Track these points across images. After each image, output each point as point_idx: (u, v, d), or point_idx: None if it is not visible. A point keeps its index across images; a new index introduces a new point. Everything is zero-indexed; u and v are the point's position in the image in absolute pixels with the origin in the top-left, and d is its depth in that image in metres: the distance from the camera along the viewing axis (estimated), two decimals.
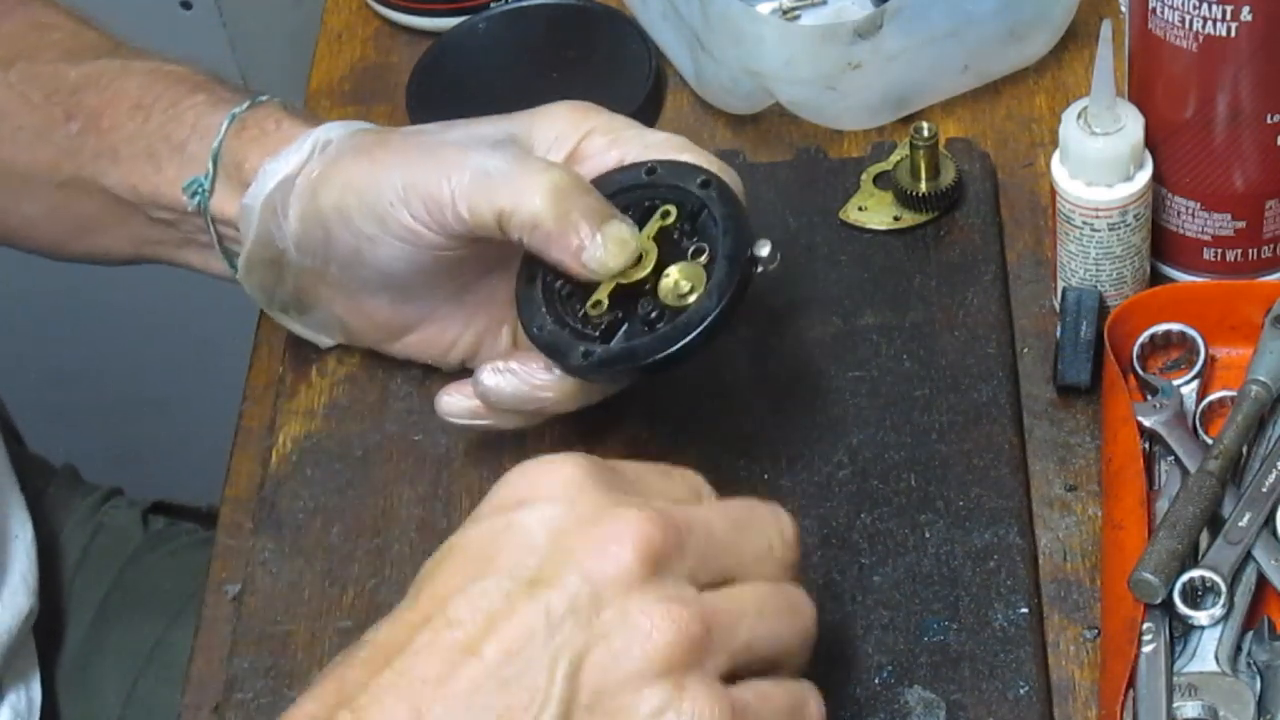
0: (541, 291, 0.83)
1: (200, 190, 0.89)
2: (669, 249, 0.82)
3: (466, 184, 0.81)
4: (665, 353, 0.79)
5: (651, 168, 0.83)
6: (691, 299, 0.80)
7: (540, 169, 0.80)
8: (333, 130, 0.87)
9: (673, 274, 0.81)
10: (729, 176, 0.83)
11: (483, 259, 0.86)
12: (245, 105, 0.89)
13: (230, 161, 0.88)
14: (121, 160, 0.91)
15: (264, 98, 0.90)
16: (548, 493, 0.68)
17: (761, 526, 0.71)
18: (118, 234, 0.94)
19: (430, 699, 0.65)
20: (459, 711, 0.64)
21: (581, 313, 0.81)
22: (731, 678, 0.67)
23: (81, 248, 0.97)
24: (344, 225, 0.84)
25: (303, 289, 0.89)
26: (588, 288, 0.81)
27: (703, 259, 0.81)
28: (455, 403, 0.86)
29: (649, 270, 0.81)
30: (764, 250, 0.80)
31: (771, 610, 0.69)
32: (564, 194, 0.79)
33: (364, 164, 0.84)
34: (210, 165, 0.88)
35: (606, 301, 0.81)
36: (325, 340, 0.94)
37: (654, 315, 0.80)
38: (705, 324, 0.79)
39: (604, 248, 0.79)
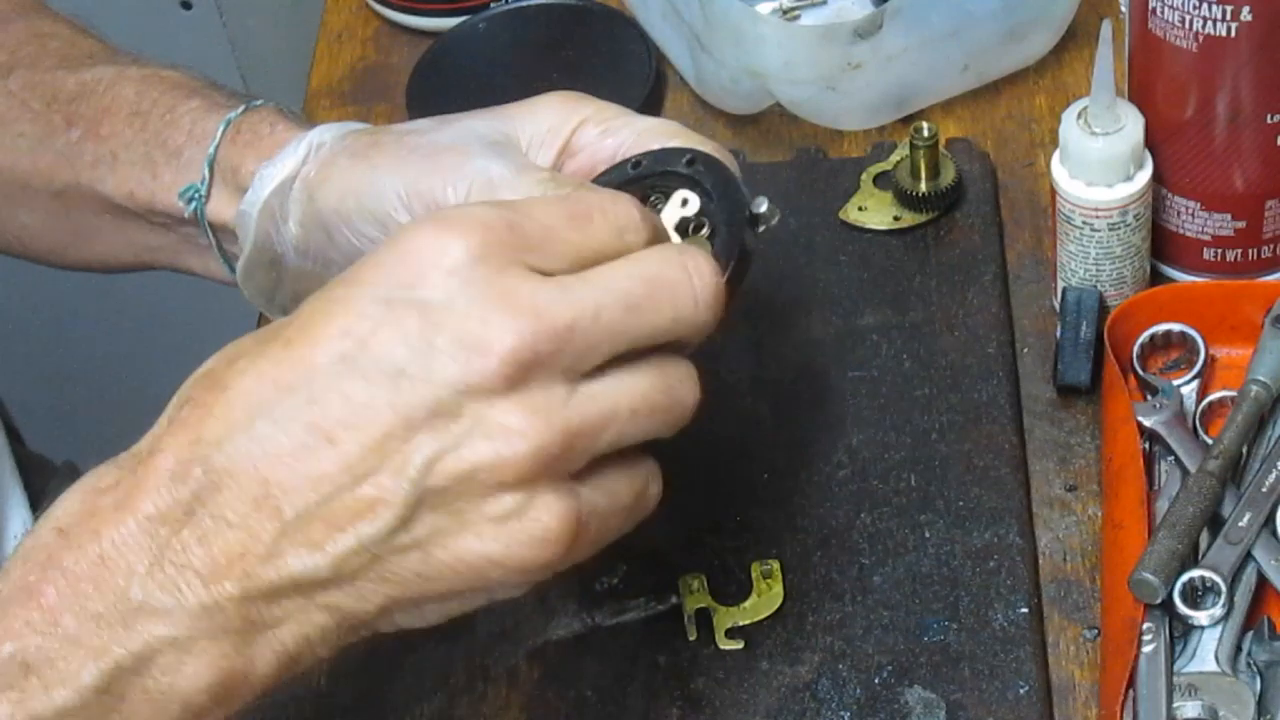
0: None
1: (197, 196, 0.89)
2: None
3: (470, 191, 0.80)
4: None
5: (636, 161, 0.82)
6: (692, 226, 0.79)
7: (545, 179, 0.80)
8: (326, 132, 0.87)
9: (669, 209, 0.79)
10: (720, 155, 0.83)
11: None
12: (240, 110, 0.89)
13: (226, 167, 0.88)
14: (119, 167, 0.91)
15: (259, 102, 0.90)
16: (430, 277, 0.67)
17: (669, 297, 0.69)
18: (115, 241, 0.94)
19: (280, 476, 0.66)
20: (307, 492, 0.66)
21: None
22: (587, 468, 0.68)
23: (79, 255, 0.97)
24: (345, 227, 0.84)
25: (302, 291, 0.89)
26: None
27: (704, 232, 0.81)
28: None
29: None
30: (762, 207, 0.79)
31: (647, 407, 0.69)
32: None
33: (361, 168, 0.84)
34: (206, 171, 0.88)
35: None
36: None
37: None
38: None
39: None
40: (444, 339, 0.66)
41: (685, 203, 0.81)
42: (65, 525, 0.68)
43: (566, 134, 0.84)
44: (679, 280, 0.69)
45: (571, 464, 0.67)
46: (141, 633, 0.66)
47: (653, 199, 0.82)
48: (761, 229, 0.79)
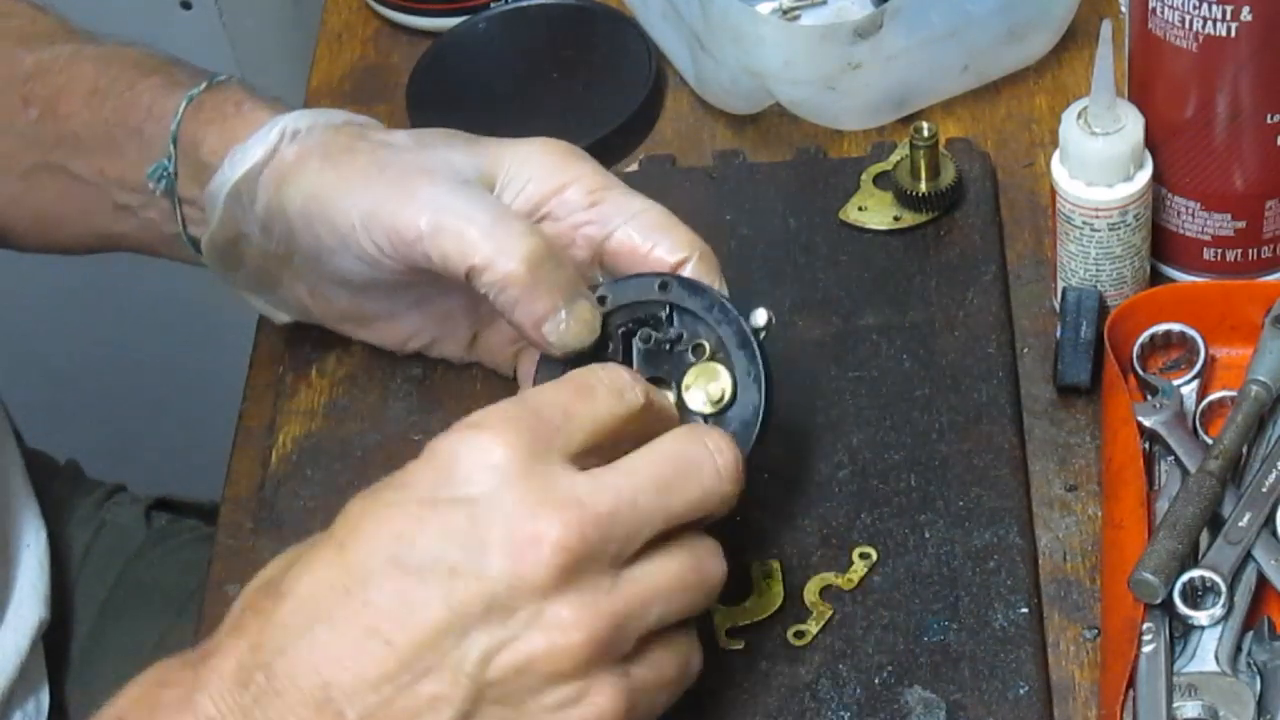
0: None
1: (165, 174, 0.88)
2: (659, 365, 0.81)
3: (438, 229, 0.80)
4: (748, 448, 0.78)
5: (602, 296, 0.81)
6: (727, 398, 0.79)
7: (521, 232, 0.80)
8: (301, 119, 0.86)
9: (692, 385, 0.79)
10: (706, 259, 0.82)
11: (441, 283, 0.85)
12: (202, 87, 0.89)
13: (188, 143, 0.88)
14: (84, 146, 0.91)
15: (221, 78, 0.90)
16: (476, 479, 0.68)
17: (695, 476, 0.72)
18: (78, 224, 0.94)
19: (341, 679, 0.67)
20: (366, 694, 0.66)
21: None
22: (637, 648, 0.70)
23: (42, 239, 0.97)
24: (306, 230, 0.84)
25: (266, 270, 0.89)
26: None
27: (704, 355, 0.80)
28: None
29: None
30: (761, 320, 0.80)
31: (682, 585, 0.71)
32: (540, 262, 0.79)
33: (329, 177, 0.83)
34: (171, 149, 0.88)
35: None
36: (283, 316, 0.94)
37: None
38: (763, 416, 0.79)
39: (568, 324, 0.80)
40: (494, 535, 0.67)
41: (647, 339, 0.81)
42: (126, 714, 0.69)
43: (548, 191, 0.83)
44: (702, 457, 0.72)
45: (621, 648, 0.69)
46: None
47: (631, 328, 0.81)
48: (763, 336, 0.80)
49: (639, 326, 0.81)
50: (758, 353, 0.79)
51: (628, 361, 0.81)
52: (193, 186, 0.88)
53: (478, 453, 0.69)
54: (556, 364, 0.81)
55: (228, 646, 0.68)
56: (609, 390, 0.72)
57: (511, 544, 0.67)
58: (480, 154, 0.84)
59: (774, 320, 0.80)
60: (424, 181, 0.82)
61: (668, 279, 0.81)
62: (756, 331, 0.80)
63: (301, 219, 0.84)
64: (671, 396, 0.80)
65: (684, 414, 0.79)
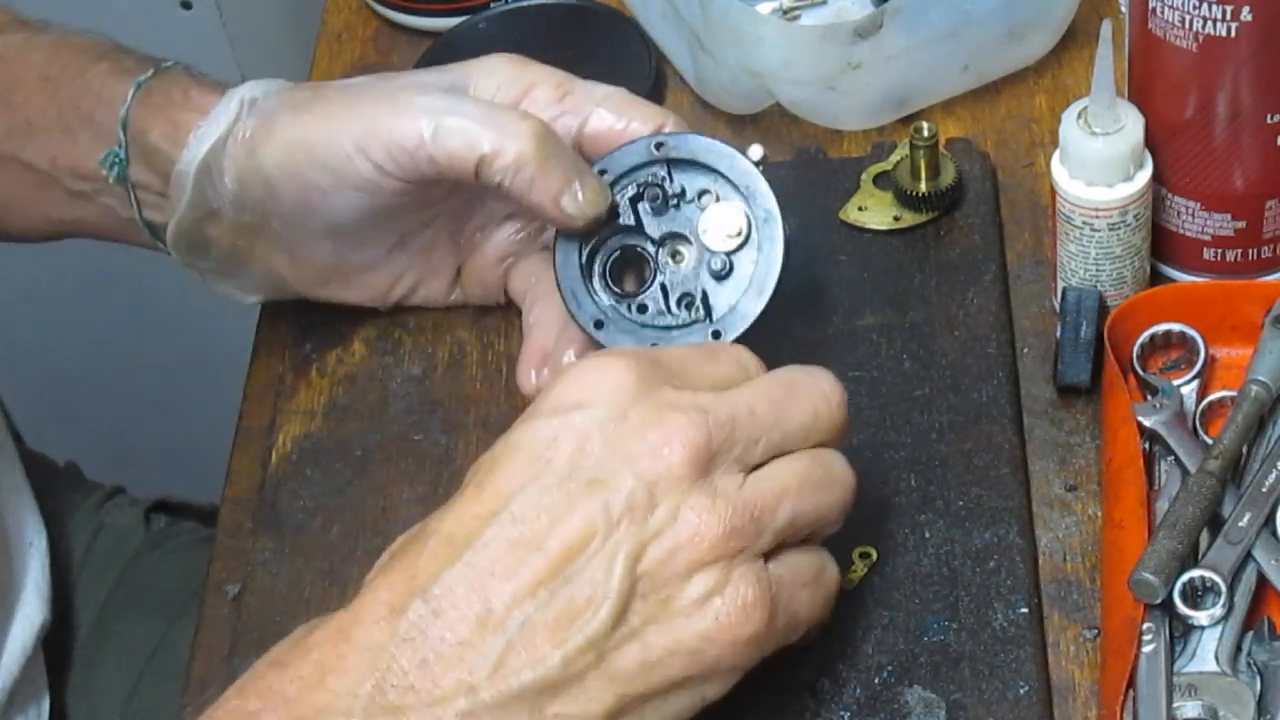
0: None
1: (118, 161, 0.89)
2: (672, 221, 0.85)
3: (440, 130, 0.82)
4: (776, 283, 0.83)
5: (601, 170, 0.85)
6: (744, 231, 0.83)
7: (521, 116, 0.83)
8: (255, 88, 0.87)
9: (709, 229, 0.84)
10: (679, 124, 0.86)
11: (424, 211, 0.88)
12: (150, 73, 0.89)
13: (136, 129, 0.88)
14: (37, 133, 0.91)
15: (169, 64, 0.90)
16: (601, 397, 0.72)
17: (806, 396, 0.75)
18: (32, 211, 0.95)
19: (499, 591, 0.69)
20: (526, 603, 0.69)
21: (662, 311, 0.85)
22: (774, 550, 0.73)
23: (2, 226, 0.97)
24: (290, 181, 0.85)
25: (238, 245, 0.89)
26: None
27: (713, 200, 0.84)
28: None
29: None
30: (756, 154, 0.84)
31: (811, 485, 0.74)
32: (545, 140, 0.83)
33: (308, 120, 0.85)
34: (121, 135, 0.89)
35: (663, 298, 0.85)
36: (250, 299, 0.94)
37: (722, 269, 0.84)
38: (786, 246, 0.83)
39: (583, 194, 0.83)
40: (626, 442, 0.71)
41: (638, 198, 0.85)
42: (281, 658, 0.70)
43: (517, 93, 0.86)
44: (808, 380, 0.76)
45: (758, 541, 0.72)
46: None
47: (637, 191, 0.84)
48: (761, 169, 0.84)
49: (643, 189, 0.85)
50: (763, 182, 0.84)
51: (640, 224, 0.85)
52: (145, 172, 0.89)
53: (604, 377, 0.72)
54: (574, 241, 0.84)
55: (377, 585, 0.70)
56: (733, 360, 0.76)
57: (645, 446, 0.71)
58: (446, 72, 0.87)
59: (768, 155, 0.84)
60: (412, 94, 0.84)
61: (661, 138, 0.85)
62: (755, 164, 0.84)
63: (284, 173, 0.85)
64: (692, 247, 0.84)
65: (707, 255, 0.84)
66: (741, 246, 0.84)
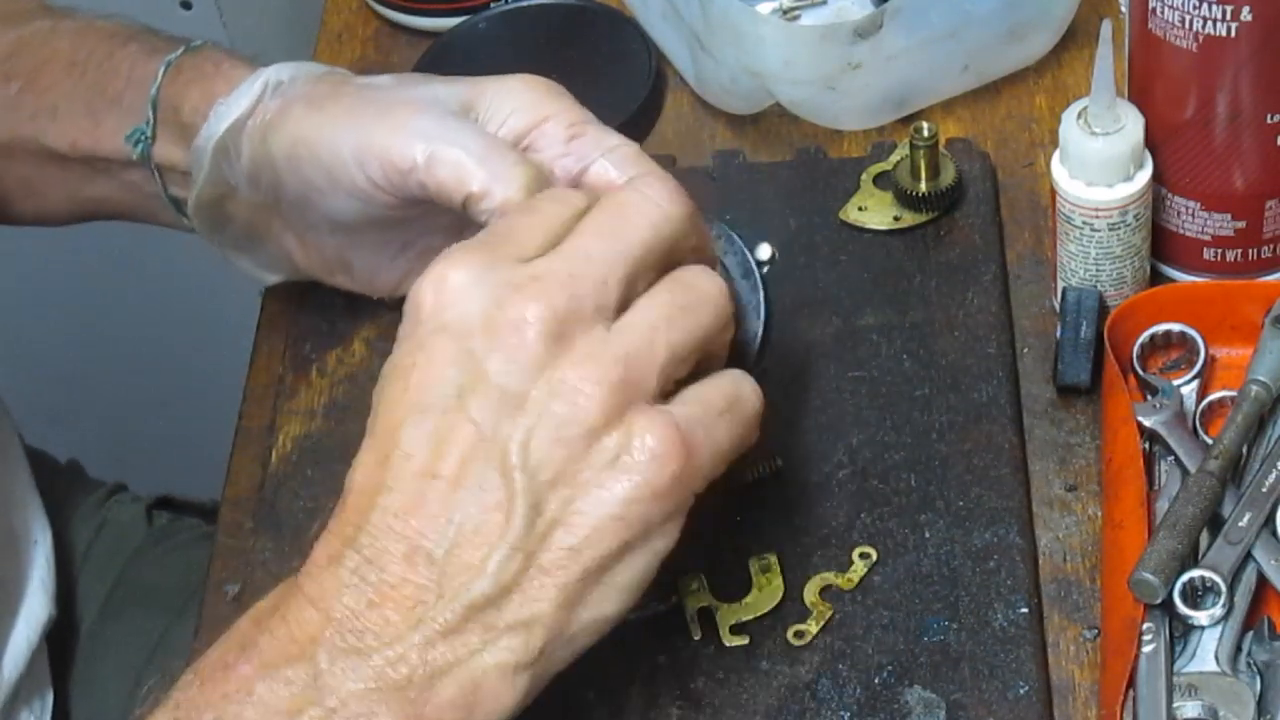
0: None
1: (143, 139, 0.89)
2: None
3: (433, 159, 0.81)
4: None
5: None
6: None
7: (515, 160, 0.81)
8: (283, 70, 0.87)
9: None
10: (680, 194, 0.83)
11: (426, 219, 0.87)
12: (180, 51, 0.90)
13: (167, 106, 0.88)
14: (60, 117, 0.91)
15: (198, 43, 0.91)
16: (447, 304, 0.71)
17: (638, 214, 0.73)
18: (59, 193, 0.95)
19: (416, 527, 0.70)
20: (443, 529, 0.69)
21: None
22: (669, 394, 0.71)
23: (24, 209, 0.98)
24: (294, 174, 0.85)
25: (255, 222, 0.90)
26: None
27: None
28: None
29: None
30: (764, 254, 0.82)
31: (678, 311, 0.72)
32: (536, 189, 0.81)
33: (315, 118, 0.84)
34: (150, 113, 0.89)
35: None
36: (271, 277, 0.94)
37: None
38: (761, 340, 0.82)
39: None
40: (477, 341, 0.70)
41: None
42: (257, 616, 0.72)
43: (529, 123, 0.84)
44: (638, 199, 0.74)
45: (644, 388, 0.70)
46: (332, 690, 0.69)
47: None
48: (765, 271, 0.84)
49: None
50: (759, 283, 0.82)
51: None
52: (173, 149, 0.89)
53: (437, 283, 0.71)
54: None
55: (315, 552, 0.72)
56: (551, 198, 0.75)
57: (496, 340, 0.70)
58: (462, 88, 0.85)
59: (777, 255, 0.84)
60: (413, 112, 0.83)
61: None
62: (760, 264, 0.83)
63: (288, 164, 0.84)
64: None
65: None
66: None
